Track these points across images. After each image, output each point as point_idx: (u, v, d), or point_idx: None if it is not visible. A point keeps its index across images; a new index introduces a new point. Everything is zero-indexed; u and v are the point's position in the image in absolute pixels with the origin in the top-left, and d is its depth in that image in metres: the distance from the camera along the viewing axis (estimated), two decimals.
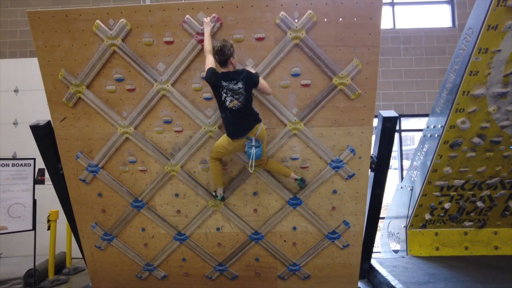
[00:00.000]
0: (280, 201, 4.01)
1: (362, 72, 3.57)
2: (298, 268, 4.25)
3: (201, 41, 3.50)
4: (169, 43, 3.56)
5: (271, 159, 3.84)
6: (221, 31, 3.51)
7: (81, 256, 4.70)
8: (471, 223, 5.39)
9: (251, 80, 3.37)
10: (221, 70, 3.40)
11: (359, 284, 4.57)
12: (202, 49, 3.53)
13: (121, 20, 3.50)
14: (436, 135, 4.70)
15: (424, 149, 4.99)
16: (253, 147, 3.45)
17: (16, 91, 6.99)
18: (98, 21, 3.52)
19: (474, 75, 4.19)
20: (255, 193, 4.00)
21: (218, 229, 4.18)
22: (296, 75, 3.59)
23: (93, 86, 3.75)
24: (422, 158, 5.08)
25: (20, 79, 6.97)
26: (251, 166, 3.51)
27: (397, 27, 7.39)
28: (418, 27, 7.28)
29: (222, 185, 3.83)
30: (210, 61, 3.37)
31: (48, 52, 3.66)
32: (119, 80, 3.70)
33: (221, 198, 3.87)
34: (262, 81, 3.43)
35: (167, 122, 3.79)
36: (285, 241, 4.17)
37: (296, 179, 3.82)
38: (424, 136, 5.07)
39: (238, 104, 3.34)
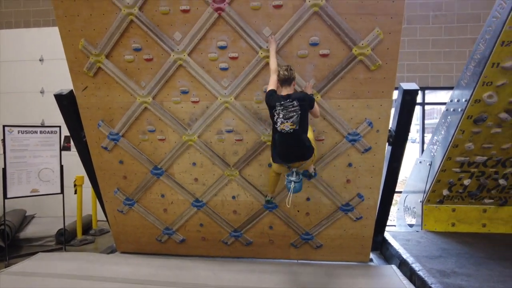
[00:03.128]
0: None
1: (384, 42, 3.42)
2: (311, 237, 4.36)
3: (218, 9, 3.43)
4: (185, 11, 3.51)
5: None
6: None
7: (105, 219, 4.99)
8: (491, 200, 5.27)
9: (308, 101, 3.23)
10: (281, 90, 3.30)
11: (371, 255, 4.65)
12: (218, 18, 3.48)
13: None
14: (459, 109, 4.52)
15: (446, 124, 4.82)
16: (293, 182, 3.36)
17: (41, 60, 7.18)
18: None
19: (506, 45, 3.91)
20: (269, 165, 4.05)
21: (233, 197, 4.30)
22: (314, 44, 3.49)
23: (112, 55, 3.80)
24: (443, 132, 4.93)
25: (45, 48, 7.13)
26: (288, 201, 3.41)
27: None
28: None
29: (272, 193, 3.94)
30: (273, 82, 3.30)
31: (68, 21, 3.71)
32: (137, 50, 3.73)
33: (270, 199, 4.01)
34: (316, 106, 3.35)
35: (184, 92, 3.83)
36: (298, 211, 4.25)
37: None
38: (447, 110, 4.88)
39: (289, 127, 3.16)
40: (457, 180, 5.05)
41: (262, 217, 4.35)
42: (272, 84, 3.32)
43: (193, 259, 4.58)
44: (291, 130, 3.17)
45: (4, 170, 4.97)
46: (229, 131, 3.95)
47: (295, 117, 3.16)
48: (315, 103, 3.35)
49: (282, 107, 3.18)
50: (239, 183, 4.19)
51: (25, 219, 6.34)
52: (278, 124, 3.20)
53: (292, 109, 3.16)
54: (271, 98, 3.25)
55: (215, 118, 3.91)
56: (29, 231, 5.94)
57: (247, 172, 4.14)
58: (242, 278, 3.91)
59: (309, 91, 3.52)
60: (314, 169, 3.88)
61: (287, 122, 3.16)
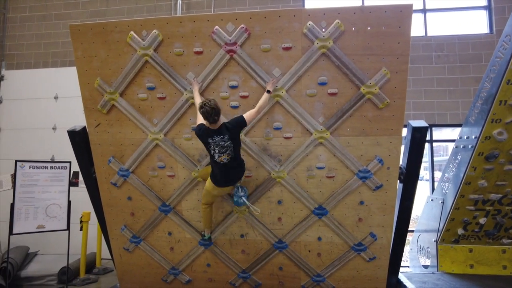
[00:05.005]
0: (305, 211, 3.98)
1: (391, 81, 3.51)
2: (323, 279, 4.18)
3: (230, 51, 3.58)
4: (198, 53, 3.67)
5: (293, 169, 3.84)
6: (249, 41, 3.57)
7: (110, 257, 4.87)
8: (510, 240, 5.06)
9: (237, 126, 3.43)
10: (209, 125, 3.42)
11: None
12: (230, 59, 3.62)
13: (154, 31, 3.66)
14: (469, 146, 4.50)
15: (457, 161, 4.78)
16: (242, 197, 3.69)
17: (56, 98, 7.44)
18: (132, 32, 3.70)
19: None
20: (279, 201, 4.00)
21: (242, 236, 4.20)
22: (323, 83, 3.58)
23: (126, 94, 3.93)
24: (454, 170, 4.87)
25: (60, 87, 7.43)
26: (252, 209, 3.76)
27: (429, 34, 7.18)
28: (451, 34, 7.03)
29: (209, 228, 4.04)
30: (200, 117, 3.46)
31: (86, 61, 3.89)
32: (151, 89, 3.85)
33: (208, 238, 4.09)
34: (247, 116, 3.44)
35: (195, 130, 3.89)
36: (309, 251, 4.12)
37: (202, 235, 4.11)
38: (456, 147, 4.86)
39: (226, 158, 3.41)
40: (472, 218, 4.91)
41: (271, 257, 4.21)
42: (199, 119, 3.49)
43: None
44: (229, 160, 3.43)
45: (12, 205, 4.95)
46: None
47: (230, 149, 3.40)
48: (245, 115, 3.42)
49: (215, 144, 3.38)
50: (248, 221, 4.12)
51: (27, 257, 6.21)
52: (216, 157, 3.42)
53: (225, 144, 3.37)
54: (202, 134, 3.45)
55: None
56: (31, 269, 5.79)
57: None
58: None
59: (268, 86, 3.53)
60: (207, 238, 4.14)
61: (223, 155, 3.40)
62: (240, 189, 3.72)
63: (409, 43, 3.44)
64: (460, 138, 4.74)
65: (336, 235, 4.00)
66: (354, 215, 3.92)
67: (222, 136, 3.37)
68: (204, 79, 3.72)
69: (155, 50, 3.71)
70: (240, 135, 3.66)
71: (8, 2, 8.07)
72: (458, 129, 4.92)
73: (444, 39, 7.02)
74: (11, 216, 4.94)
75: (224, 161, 3.41)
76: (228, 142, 3.38)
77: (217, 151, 3.39)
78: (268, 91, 3.50)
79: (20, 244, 6.28)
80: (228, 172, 3.54)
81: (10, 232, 4.92)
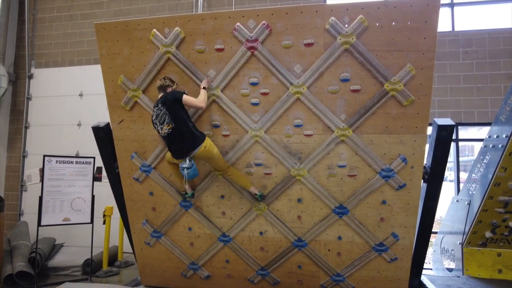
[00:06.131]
0: (326, 209, 3.93)
1: (416, 77, 3.41)
2: (342, 279, 4.12)
3: (251, 48, 3.57)
4: (220, 50, 3.68)
5: (314, 167, 3.78)
6: (270, 38, 3.55)
7: (131, 251, 4.99)
8: None
9: (171, 97, 3.50)
10: None
11: None
12: (251, 56, 3.62)
13: (176, 28, 3.70)
14: (499, 146, 4.31)
15: (485, 161, 4.59)
16: (185, 169, 3.56)
17: (81, 95, 7.67)
18: (154, 30, 3.76)
19: None
20: (299, 200, 3.97)
21: (261, 233, 4.20)
22: (345, 80, 3.51)
23: (149, 91, 3.99)
24: (482, 170, 4.68)
25: (85, 84, 7.65)
26: (185, 185, 3.82)
27: (456, 29, 6.90)
28: (480, 29, 6.73)
29: (186, 184, 3.88)
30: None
31: (110, 59, 3.98)
32: None
33: (191, 195, 4.02)
34: (187, 97, 3.51)
35: (216, 126, 3.91)
36: (329, 250, 4.07)
37: (255, 194, 3.91)
38: (485, 146, 4.67)
39: (167, 128, 3.50)
40: (501, 221, 4.70)
41: (290, 256, 4.18)
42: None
43: None
44: (170, 130, 3.49)
45: (40, 198, 5.15)
46: (258, 165, 3.94)
47: (166, 118, 3.48)
48: (185, 96, 3.52)
49: (156, 115, 3.54)
50: (267, 218, 4.11)
51: (54, 248, 6.45)
52: (160, 131, 3.56)
53: (161, 112, 3.50)
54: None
55: (245, 152, 3.93)
56: (57, 260, 6.01)
57: (276, 207, 4.06)
58: None
59: (203, 84, 3.65)
60: (259, 191, 3.97)
61: (163, 125, 3.50)
62: (187, 160, 3.58)
63: (435, 38, 3.33)
64: (489, 137, 4.56)
65: (357, 234, 3.93)
66: (376, 214, 3.84)
67: (157, 106, 3.54)
68: (224, 76, 3.73)
69: (177, 47, 3.75)
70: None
71: (38, 3, 8.37)
72: (485, 128, 4.73)
73: (473, 34, 6.73)
74: (39, 209, 5.13)
75: (166, 131, 3.51)
76: (163, 110, 3.48)
77: (157, 122, 3.55)
78: (204, 88, 3.65)
79: (47, 236, 6.53)
80: (171, 143, 3.59)
81: (39, 224, 5.12)
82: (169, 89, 3.63)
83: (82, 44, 7.99)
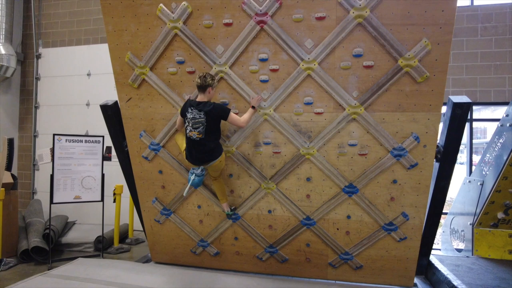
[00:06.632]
0: (335, 188, 3.89)
1: (432, 53, 3.27)
2: (351, 257, 4.13)
3: (260, 22, 3.46)
4: (228, 25, 3.58)
5: (324, 146, 3.72)
6: (280, 11, 3.43)
7: (141, 229, 5.06)
8: None
9: (217, 113, 3.44)
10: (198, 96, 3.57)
11: (415, 280, 4.32)
12: (260, 31, 3.51)
13: (183, 3, 3.59)
14: None
15: (501, 140, 4.46)
16: (195, 175, 3.64)
17: (88, 74, 7.64)
18: (161, 4, 3.66)
19: None
20: (308, 179, 3.93)
21: (270, 211, 4.20)
22: (358, 55, 3.39)
23: (156, 68, 3.93)
24: (497, 150, 4.56)
25: (92, 63, 7.60)
26: (186, 191, 3.80)
27: (475, 3, 6.61)
28: (501, 3, 6.42)
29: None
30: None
31: (117, 36, 3.91)
32: (180, 63, 3.83)
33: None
34: (233, 116, 3.47)
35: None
36: (338, 229, 4.06)
37: (226, 211, 4.11)
38: (501, 125, 4.53)
39: (196, 135, 3.47)
40: None
41: (299, 234, 4.20)
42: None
43: (227, 273, 4.49)
44: (198, 138, 3.49)
45: (52, 176, 5.23)
46: (267, 143, 3.90)
47: (201, 128, 3.45)
48: (232, 114, 3.50)
49: (191, 117, 3.46)
50: (276, 197, 4.10)
51: (67, 225, 6.61)
52: (187, 131, 3.54)
53: (199, 119, 3.44)
54: (185, 104, 3.62)
55: (254, 130, 3.88)
56: (70, 236, 6.16)
57: (284, 186, 4.05)
58: None
59: (253, 103, 3.59)
60: (231, 209, 4.14)
61: (195, 130, 3.47)
62: (200, 169, 3.66)
63: (455, 10, 3.17)
64: (507, 115, 4.41)
65: (366, 213, 3.91)
66: (386, 194, 3.79)
67: (199, 111, 3.45)
68: (233, 53, 3.64)
69: (184, 22, 3.66)
70: (221, 124, 3.67)
71: None
72: (500, 109, 4.57)
73: (493, 8, 6.41)
74: (51, 187, 5.22)
75: (193, 137, 3.48)
76: (203, 119, 3.43)
77: (190, 124, 3.49)
78: (253, 107, 3.61)
79: (60, 214, 6.68)
80: (192, 149, 3.58)
81: (51, 202, 5.22)
82: (210, 90, 3.49)
83: (89, 22, 7.89)
